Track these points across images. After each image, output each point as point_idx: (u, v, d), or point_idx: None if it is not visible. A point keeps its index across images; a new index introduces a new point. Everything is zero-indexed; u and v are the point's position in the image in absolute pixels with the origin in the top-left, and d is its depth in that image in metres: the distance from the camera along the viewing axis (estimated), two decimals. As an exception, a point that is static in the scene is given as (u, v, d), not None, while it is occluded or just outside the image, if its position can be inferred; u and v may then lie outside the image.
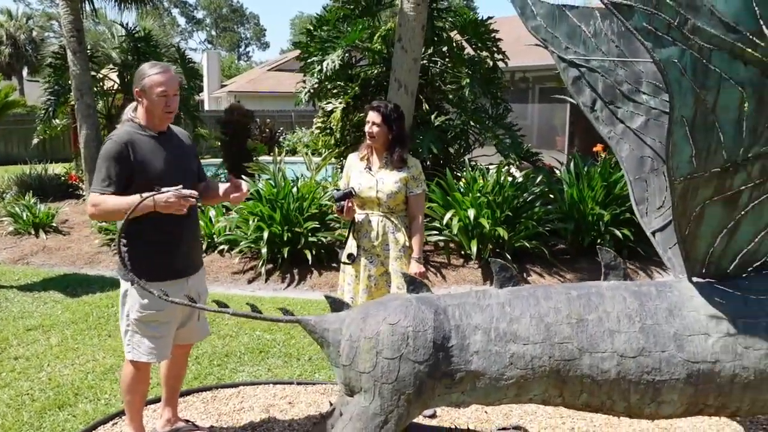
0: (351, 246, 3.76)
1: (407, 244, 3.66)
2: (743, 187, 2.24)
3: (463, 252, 6.91)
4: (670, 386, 2.42)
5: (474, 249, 6.56)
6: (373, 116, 3.65)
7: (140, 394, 3.16)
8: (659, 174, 2.87)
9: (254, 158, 10.75)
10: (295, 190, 7.18)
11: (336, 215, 3.80)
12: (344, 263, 3.77)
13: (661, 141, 2.85)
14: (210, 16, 70.38)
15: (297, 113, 24.47)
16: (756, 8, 1.95)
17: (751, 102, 2.08)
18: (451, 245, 6.97)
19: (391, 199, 3.61)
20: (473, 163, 8.58)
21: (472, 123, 8.36)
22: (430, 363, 2.46)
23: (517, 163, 8.19)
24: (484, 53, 8.52)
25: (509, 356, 2.47)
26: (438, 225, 6.97)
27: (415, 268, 3.61)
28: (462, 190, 7.07)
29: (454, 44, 8.43)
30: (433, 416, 3.58)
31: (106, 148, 2.91)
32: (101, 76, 11.96)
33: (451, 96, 8.54)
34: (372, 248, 3.68)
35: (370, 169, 3.70)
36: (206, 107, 32.87)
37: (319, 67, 7.49)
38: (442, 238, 6.91)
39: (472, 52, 8.61)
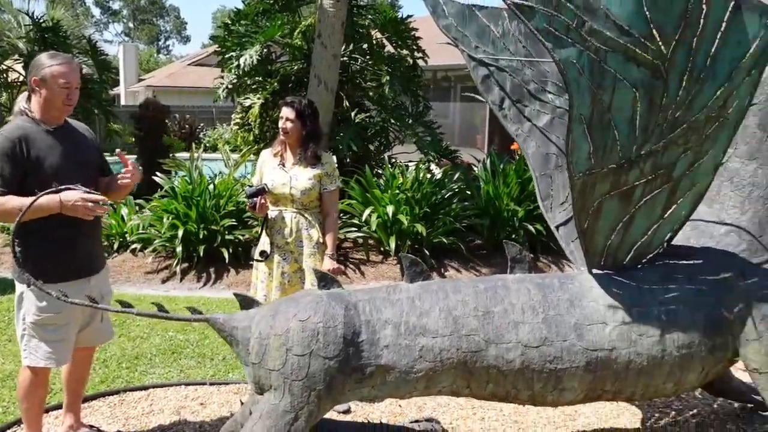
0: (264, 243, 3.71)
1: (321, 240, 3.65)
2: (637, 183, 2.36)
3: (382, 248, 6.95)
4: (570, 374, 2.52)
5: (393, 245, 6.62)
6: (286, 112, 3.61)
7: (38, 400, 3.01)
8: (563, 170, 2.97)
9: (170, 155, 10.46)
10: (211, 187, 7.02)
11: (249, 212, 3.74)
12: (257, 260, 3.72)
13: (564, 139, 2.95)
14: (127, 8, 67.73)
15: (218, 109, 23.94)
16: (647, 12, 2.05)
17: (643, 102, 2.19)
18: (370, 242, 7.00)
19: (305, 195, 3.59)
20: (393, 160, 8.66)
21: (392, 120, 8.42)
22: (340, 359, 2.46)
23: (437, 160, 8.33)
24: (405, 51, 8.60)
25: (419, 349, 2.51)
26: (357, 222, 6.98)
27: (328, 264, 3.60)
28: (381, 187, 7.11)
29: (375, 42, 8.48)
30: (347, 412, 3.58)
31: None
32: (5, 67, 11.31)
33: (371, 93, 8.58)
34: (285, 245, 3.65)
35: (283, 165, 3.67)
36: (123, 102, 31.63)
37: (237, 63, 7.36)
38: (361, 234, 6.93)
39: (392, 50, 8.68)
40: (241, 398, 3.53)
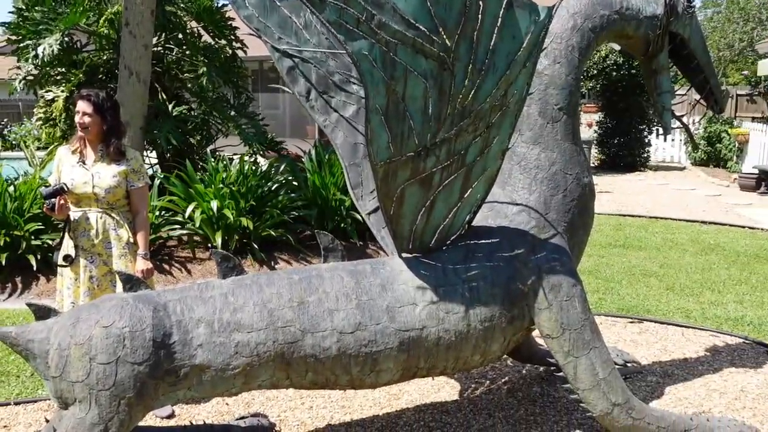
0: (67, 246, 3.45)
1: (131, 240, 3.46)
2: (434, 169, 2.49)
3: (209, 245, 6.75)
4: (385, 355, 2.62)
5: (219, 241, 6.45)
6: (83, 106, 3.37)
7: None
8: (371, 159, 3.06)
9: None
10: (12, 189, 6.39)
11: (47, 214, 3.44)
12: (61, 266, 3.45)
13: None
14: None
15: (25, 102, 21.75)
16: (431, 8, 2.17)
17: (434, 92, 2.31)
18: (196, 238, 6.77)
19: (110, 194, 3.38)
20: (218, 154, 8.42)
21: (213, 113, 8.18)
22: (150, 363, 2.36)
23: (262, 152, 8.22)
24: (223, 41, 8.37)
25: (234, 346, 2.47)
26: (180, 219, 6.71)
27: (141, 264, 3.43)
28: (205, 181, 6.89)
29: (191, 31, 8.16)
30: (171, 416, 3.46)
31: None
32: None
33: (189, 85, 8.26)
34: (92, 247, 3.42)
35: (84, 162, 3.42)
36: None
37: (35, 53, 6.74)
38: (185, 231, 6.67)
39: (211, 41, 8.41)
40: (46, 416, 3.27)
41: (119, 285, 3.43)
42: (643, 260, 6.86)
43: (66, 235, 3.45)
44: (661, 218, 9.26)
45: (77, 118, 3.38)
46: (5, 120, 20.09)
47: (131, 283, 2.54)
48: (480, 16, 2.23)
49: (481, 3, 2.22)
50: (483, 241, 2.82)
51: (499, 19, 2.27)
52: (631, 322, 4.86)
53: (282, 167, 7.58)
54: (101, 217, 3.42)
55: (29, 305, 2.46)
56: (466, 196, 2.65)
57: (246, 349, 2.48)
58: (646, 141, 15.47)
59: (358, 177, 3.06)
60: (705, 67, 3.31)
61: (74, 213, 3.43)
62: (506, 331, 2.79)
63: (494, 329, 2.75)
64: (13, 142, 17.15)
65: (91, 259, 3.42)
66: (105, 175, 3.38)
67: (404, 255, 2.79)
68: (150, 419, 3.40)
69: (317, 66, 3.00)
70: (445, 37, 2.22)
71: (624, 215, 9.48)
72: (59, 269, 3.50)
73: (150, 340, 2.37)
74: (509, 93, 2.41)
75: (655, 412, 2.90)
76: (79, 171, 3.40)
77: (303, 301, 2.57)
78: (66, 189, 3.35)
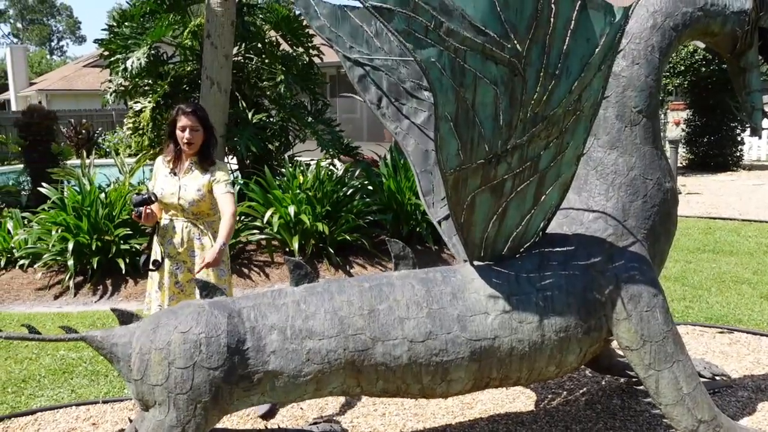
0: (156, 252, 3.59)
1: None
2: (506, 176, 2.44)
3: (286, 249, 6.89)
4: (456, 365, 2.59)
5: (296, 245, 6.57)
6: (189, 121, 3.42)
7: None
8: (443, 166, 3.03)
9: (61, 163, 9.96)
10: (103, 195, 6.73)
11: (134, 220, 3.59)
12: (150, 270, 3.60)
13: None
14: (14, 7, 63.65)
15: (119, 112, 22.92)
16: (500, 13, 2.12)
17: (505, 99, 2.27)
18: (274, 243, 6.92)
19: (194, 206, 3.49)
20: (296, 160, 8.59)
21: (291, 120, 8.35)
22: (225, 368, 2.43)
23: (338, 157, 8.32)
24: (300, 49, 8.53)
25: (306, 353, 2.51)
26: (259, 224, 6.89)
27: (210, 252, 3.34)
28: (282, 187, 7.04)
29: (271, 40, 8.36)
30: (271, 413, 3.54)
31: None
32: None
33: (268, 93, 8.46)
34: (177, 254, 3.55)
35: (175, 173, 3.54)
36: (13, 107, 29.79)
37: (124, 66, 7.08)
38: (263, 236, 6.83)
39: (289, 49, 8.59)
40: (129, 416, 3.42)
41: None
42: (734, 266, 6.49)
43: (155, 240, 3.59)
44: (755, 221, 8.74)
45: (185, 135, 3.44)
46: (99, 129, 21.21)
47: (208, 289, 2.62)
48: (552, 19, 2.17)
49: (553, 6, 2.16)
50: (557, 249, 2.74)
51: (572, 22, 2.20)
52: (721, 333, 4.61)
53: (357, 172, 7.64)
54: (186, 226, 3.53)
55: (113, 310, 2.58)
56: (539, 203, 2.58)
57: (317, 356, 2.50)
58: (739, 139, 14.64)
59: (429, 184, 3.04)
60: (801, 63, 3.10)
61: (163, 219, 3.57)
62: (583, 341, 2.70)
63: (570, 340, 2.67)
64: (107, 150, 18.09)
65: (176, 266, 3.54)
66: (191, 187, 3.48)
67: (476, 263, 2.75)
68: (244, 416, 3.49)
69: (388, 74, 3.00)
70: (516, 42, 2.17)
71: (714, 218, 9.02)
72: (150, 273, 3.64)
73: (225, 345, 2.43)
74: (584, 97, 2.33)
75: (745, 431, 2.73)
76: (170, 181, 3.51)
77: (373, 309, 2.57)
78: (154, 199, 3.47)
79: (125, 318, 2.58)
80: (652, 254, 2.82)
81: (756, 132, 3.12)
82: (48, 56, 59.23)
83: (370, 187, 7.52)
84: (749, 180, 12.82)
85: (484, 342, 2.59)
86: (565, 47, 2.22)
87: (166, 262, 3.55)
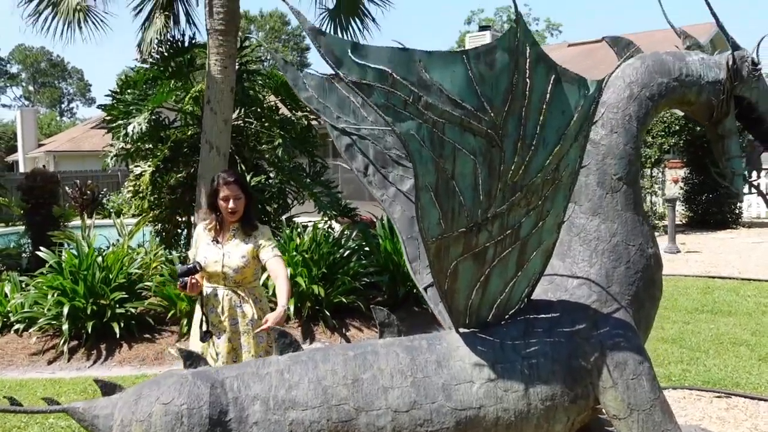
0: (203, 322, 3.56)
1: (256, 317, 3.54)
2: (488, 244, 2.47)
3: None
4: (442, 435, 2.55)
5: (292, 308, 6.55)
6: (232, 190, 3.48)
7: None
8: (429, 233, 3.06)
9: (62, 225, 10.04)
10: (100, 259, 6.76)
11: (179, 290, 3.59)
12: (201, 342, 3.55)
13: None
14: (26, 71, 65.40)
15: (124, 173, 23.28)
16: (477, 87, 2.19)
17: (484, 169, 2.31)
18: (270, 305, 6.89)
19: (238, 273, 3.49)
20: (294, 221, 8.66)
21: (291, 182, 8.47)
22: (206, 440, 2.40)
23: (337, 218, 8.40)
24: (299, 113, 8.72)
25: (288, 423, 2.47)
26: (255, 286, 6.89)
27: (275, 315, 3.34)
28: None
29: (270, 105, 8.56)
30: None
31: None
32: None
33: (267, 155, 8.61)
34: (219, 323, 3.54)
35: (217, 241, 3.56)
36: (21, 169, 30.27)
37: (125, 131, 7.24)
38: (260, 299, 6.82)
39: (288, 113, 8.79)
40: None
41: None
42: (732, 327, 6.44)
43: (201, 310, 3.58)
44: (755, 280, 8.70)
45: (227, 205, 3.48)
46: (104, 190, 21.47)
47: (191, 360, 2.61)
48: (527, 92, 2.24)
49: (528, 80, 2.23)
50: (542, 316, 2.74)
51: (548, 95, 2.26)
52: (718, 397, 4.54)
53: (354, 233, 7.69)
54: (227, 294, 3.53)
55: (96, 381, 2.57)
56: (522, 270, 2.59)
57: (300, 427, 2.47)
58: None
59: (415, 251, 3.06)
60: (779, 128, 3.16)
61: (206, 288, 3.57)
62: (570, 410, 2.66)
63: (556, 408, 2.63)
64: (110, 210, 18.27)
65: (218, 335, 3.53)
66: (235, 255, 3.50)
67: (461, 330, 2.74)
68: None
69: (374, 142, 3.06)
70: (492, 114, 2.23)
71: (713, 277, 8.98)
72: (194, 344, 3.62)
73: (206, 417, 2.41)
74: (561, 166, 2.38)
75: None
76: (213, 249, 3.53)
77: (357, 378, 2.55)
78: (199, 268, 3.48)
79: (108, 389, 2.56)
80: (637, 320, 2.81)
81: (738, 197, 3.15)
82: (58, 118, 60.47)
83: (367, 249, 7.56)
84: (749, 237, 12.83)
85: (470, 411, 2.56)
86: (541, 119, 2.28)
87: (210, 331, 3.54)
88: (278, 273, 3.49)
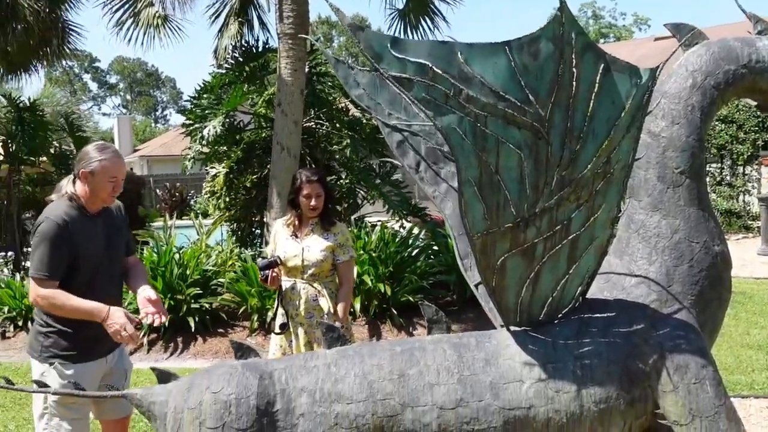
0: (281, 315, 3.70)
1: (332, 310, 3.63)
2: (536, 240, 2.40)
3: (350, 310, 6.93)
4: (489, 434, 2.50)
5: (358, 306, 6.61)
6: (315, 188, 3.59)
7: None
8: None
9: (146, 225, 10.55)
10: (177, 256, 7.05)
11: (261, 284, 3.76)
12: (276, 333, 3.69)
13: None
14: (124, 81, 69.25)
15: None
16: (520, 79, 2.14)
17: (529, 162, 2.25)
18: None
19: (316, 267, 3.59)
20: (364, 221, 8.74)
21: (361, 182, 8.55)
22: (253, 429, 2.44)
23: (407, 218, 8.42)
24: (368, 114, 8.78)
25: (334, 416, 2.49)
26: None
27: (341, 313, 3.54)
28: (347, 248, 7.16)
29: (340, 106, 8.68)
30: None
31: (43, 229, 2.86)
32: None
33: (338, 156, 8.73)
34: (297, 316, 3.65)
35: (296, 236, 3.68)
36: (118, 173, 31.95)
37: (201, 134, 7.53)
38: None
39: (358, 114, 8.88)
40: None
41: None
42: (827, 334, 6.01)
43: (279, 304, 3.71)
44: None
45: (311, 202, 3.59)
46: (192, 192, 22.35)
47: (242, 350, 2.68)
48: (574, 83, 2.16)
49: (575, 70, 2.15)
50: (598, 315, 2.64)
51: (596, 85, 2.18)
52: (805, 408, 4.24)
53: (422, 232, 7.67)
54: (305, 288, 3.63)
55: (153, 369, 2.67)
56: (574, 267, 2.51)
57: (345, 420, 2.49)
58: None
59: (466, 247, 3.01)
60: None
61: (285, 282, 3.69)
62: (626, 414, 2.55)
63: (611, 411, 2.53)
64: (197, 211, 19.03)
65: (296, 328, 3.64)
66: (314, 249, 3.60)
67: (512, 328, 2.68)
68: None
69: (426, 139, 3.04)
70: (537, 106, 2.17)
71: (808, 282, 8.42)
72: (273, 336, 3.76)
73: (254, 407, 2.46)
74: (613, 159, 2.29)
75: None
76: (292, 244, 3.65)
77: (403, 374, 2.54)
78: (279, 261, 3.61)
79: (164, 377, 2.66)
80: (702, 322, 2.66)
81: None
82: (153, 125, 63.63)
83: (435, 248, 7.52)
84: None
85: (518, 411, 2.50)
86: (589, 110, 2.20)
87: (289, 324, 3.66)
88: (347, 277, 3.65)
